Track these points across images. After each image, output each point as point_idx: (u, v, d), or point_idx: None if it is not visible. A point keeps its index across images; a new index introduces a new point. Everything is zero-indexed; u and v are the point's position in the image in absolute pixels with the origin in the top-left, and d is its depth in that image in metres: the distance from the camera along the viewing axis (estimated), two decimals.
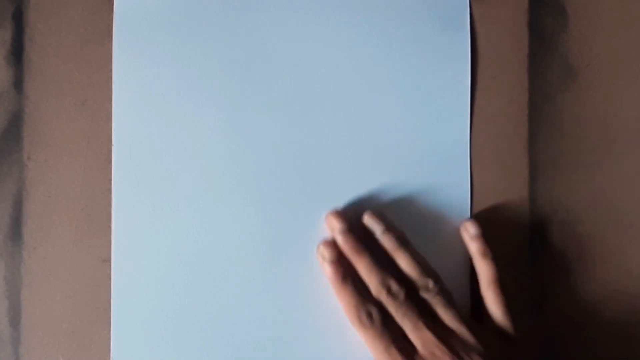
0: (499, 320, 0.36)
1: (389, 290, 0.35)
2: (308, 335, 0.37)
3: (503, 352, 0.35)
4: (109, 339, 0.37)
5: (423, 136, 0.38)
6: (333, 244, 0.36)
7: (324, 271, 0.36)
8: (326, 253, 0.36)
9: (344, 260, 0.36)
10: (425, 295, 0.35)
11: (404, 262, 0.36)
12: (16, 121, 0.38)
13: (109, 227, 0.37)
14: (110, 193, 0.38)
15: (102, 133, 0.38)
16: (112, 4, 0.38)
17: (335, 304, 0.37)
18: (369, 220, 0.36)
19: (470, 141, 0.38)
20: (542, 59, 0.39)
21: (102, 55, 0.38)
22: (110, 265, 0.37)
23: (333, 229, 0.36)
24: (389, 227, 0.36)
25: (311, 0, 0.38)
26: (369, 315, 0.34)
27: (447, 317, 0.35)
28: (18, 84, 0.38)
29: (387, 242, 0.36)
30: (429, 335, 0.34)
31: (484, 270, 0.36)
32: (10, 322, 0.37)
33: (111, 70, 0.38)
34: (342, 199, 0.38)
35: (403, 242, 0.36)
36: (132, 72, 0.38)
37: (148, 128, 0.38)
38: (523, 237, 0.38)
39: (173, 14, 0.38)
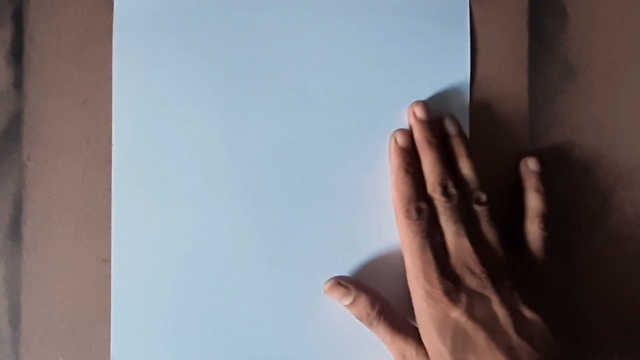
0: (536, 252, 0.36)
1: (445, 190, 0.35)
2: (308, 335, 0.37)
3: (531, 280, 0.35)
4: (109, 339, 0.37)
5: None
6: (404, 135, 0.37)
7: (390, 158, 0.37)
8: (400, 138, 0.36)
9: (409, 155, 0.36)
10: (475, 207, 0.35)
11: (467, 169, 0.36)
12: (16, 121, 0.38)
13: (109, 227, 0.37)
14: (110, 193, 0.38)
15: (102, 133, 0.38)
16: (112, 4, 0.38)
17: (334, 305, 0.37)
18: (449, 119, 0.37)
19: (471, 140, 0.38)
20: (542, 59, 0.39)
21: (102, 55, 0.38)
22: (110, 265, 0.37)
23: (414, 116, 0.37)
24: (462, 133, 0.37)
25: (311, 0, 0.38)
26: (418, 210, 0.35)
27: (489, 233, 0.35)
28: (18, 84, 0.38)
29: (458, 144, 0.37)
30: (466, 243, 0.34)
31: (534, 204, 0.36)
32: (10, 322, 0.37)
33: (111, 70, 0.38)
34: (343, 199, 0.38)
35: (470, 151, 0.37)
36: (132, 72, 0.38)
37: (148, 128, 0.38)
38: None
39: (173, 14, 0.38)
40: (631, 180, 0.39)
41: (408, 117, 0.37)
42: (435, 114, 0.37)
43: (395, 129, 0.37)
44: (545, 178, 0.37)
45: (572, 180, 0.38)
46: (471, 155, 0.36)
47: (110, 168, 0.38)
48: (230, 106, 0.38)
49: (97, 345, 0.37)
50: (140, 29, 0.38)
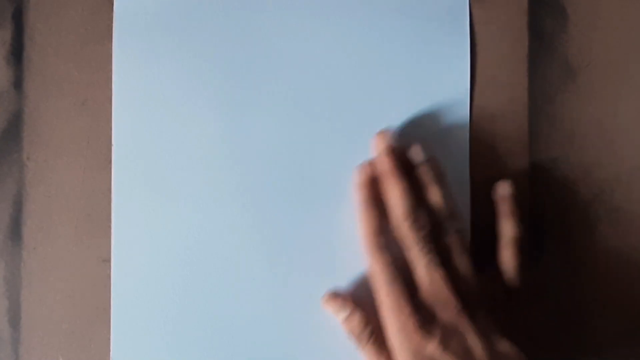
0: (512, 279, 0.35)
1: (415, 220, 0.34)
2: (307, 335, 0.37)
3: (508, 310, 0.35)
4: (109, 339, 0.37)
5: (423, 136, 0.38)
6: (368, 167, 0.36)
7: (355, 193, 0.36)
8: (360, 174, 0.36)
9: (375, 188, 0.36)
10: (447, 236, 0.35)
11: (437, 197, 0.35)
12: (16, 121, 0.38)
13: (109, 227, 0.37)
14: (110, 193, 0.38)
15: (102, 133, 0.38)
16: (112, 4, 0.38)
17: None
18: (415, 149, 0.36)
19: (470, 140, 0.38)
20: (542, 59, 0.39)
21: (102, 55, 0.38)
22: (110, 265, 0.37)
23: (379, 147, 0.36)
24: (433, 160, 0.36)
25: (311, 0, 0.38)
26: (384, 245, 0.34)
27: (462, 263, 0.34)
28: (18, 84, 0.38)
29: (426, 172, 0.36)
30: (439, 274, 0.33)
31: (507, 229, 0.36)
32: (10, 322, 0.37)
33: (111, 70, 0.38)
34: (343, 199, 0.38)
35: (441, 178, 0.36)
36: (132, 72, 0.38)
37: (148, 128, 0.38)
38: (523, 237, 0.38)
39: (173, 14, 0.38)
40: (631, 181, 0.39)
41: (373, 148, 0.37)
42: (401, 145, 0.36)
43: (396, 129, 0.37)
44: (545, 178, 0.37)
45: (572, 181, 0.38)
46: (441, 182, 0.36)
47: (110, 168, 0.38)
48: (230, 106, 0.38)
49: (97, 345, 0.37)
50: (140, 29, 0.38)
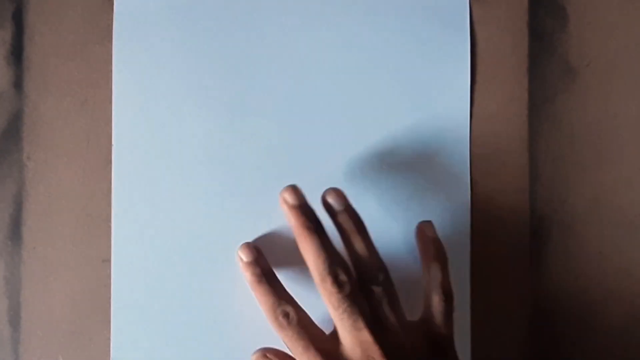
0: (442, 325, 0.34)
1: (335, 280, 0.32)
2: None
3: (445, 355, 0.34)
4: (109, 339, 0.37)
5: (423, 136, 0.38)
6: (249, 245, 0.36)
7: (243, 274, 0.35)
8: (243, 255, 0.35)
9: (261, 260, 0.35)
10: (373, 287, 0.33)
11: (360, 247, 0.33)
12: (16, 121, 0.38)
13: (109, 227, 0.37)
14: (110, 193, 0.38)
15: (102, 133, 0.38)
16: (112, 4, 0.38)
17: None
18: (330, 196, 0.34)
19: (470, 141, 0.38)
20: (542, 59, 0.39)
21: (102, 55, 0.38)
22: (110, 265, 0.37)
23: (286, 203, 0.34)
24: (350, 208, 0.34)
25: (311, 0, 0.38)
26: (285, 315, 0.33)
27: (390, 315, 0.33)
28: (18, 84, 0.38)
29: (345, 222, 0.34)
30: (367, 336, 0.32)
31: (434, 274, 0.35)
32: (10, 322, 0.37)
33: (111, 71, 0.38)
34: None
35: (361, 226, 0.34)
36: (132, 72, 0.38)
37: (148, 128, 0.38)
38: (523, 237, 0.38)
39: (173, 14, 0.38)
40: (631, 181, 0.39)
41: (280, 205, 0.34)
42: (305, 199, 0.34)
43: (396, 128, 0.37)
44: (545, 178, 0.37)
45: (572, 180, 0.38)
46: (362, 231, 0.34)
47: (110, 168, 0.38)
48: (231, 106, 0.38)
49: (97, 345, 0.37)
50: (140, 29, 0.38)
